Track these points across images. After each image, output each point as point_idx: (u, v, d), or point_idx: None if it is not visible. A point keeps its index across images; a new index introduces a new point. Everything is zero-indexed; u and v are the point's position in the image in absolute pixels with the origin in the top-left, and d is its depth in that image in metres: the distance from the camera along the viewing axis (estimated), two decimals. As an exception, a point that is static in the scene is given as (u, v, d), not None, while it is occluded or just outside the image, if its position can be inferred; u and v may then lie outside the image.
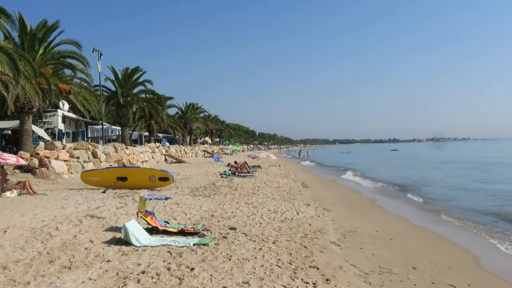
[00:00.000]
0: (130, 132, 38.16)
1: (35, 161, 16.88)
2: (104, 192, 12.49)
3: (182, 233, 6.97)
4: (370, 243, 7.67)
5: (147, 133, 45.23)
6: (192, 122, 58.45)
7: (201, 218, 8.61)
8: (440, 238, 9.07)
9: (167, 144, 45.63)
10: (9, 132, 22.23)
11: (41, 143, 18.86)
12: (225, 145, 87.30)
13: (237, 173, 20.96)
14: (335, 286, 4.77)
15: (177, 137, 52.56)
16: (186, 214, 8.97)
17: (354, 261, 6.19)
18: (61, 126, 28.52)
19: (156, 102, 37.32)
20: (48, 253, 5.65)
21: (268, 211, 9.75)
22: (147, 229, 6.79)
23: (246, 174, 21.11)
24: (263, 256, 5.79)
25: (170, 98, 47.55)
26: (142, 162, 27.62)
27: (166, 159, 33.73)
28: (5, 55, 14.92)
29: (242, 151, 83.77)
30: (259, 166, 26.75)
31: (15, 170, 16.13)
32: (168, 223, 7.55)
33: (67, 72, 22.73)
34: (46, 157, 17.26)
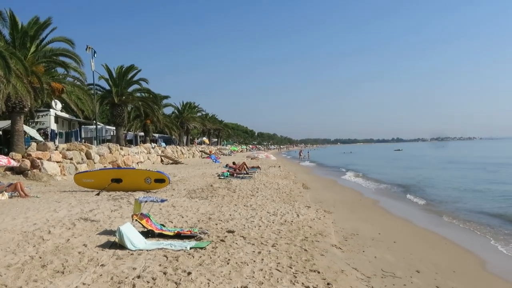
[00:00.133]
0: (125, 132, 38.11)
1: (27, 163, 16.87)
2: (98, 194, 12.48)
3: (179, 236, 6.98)
4: (372, 246, 7.69)
5: (142, 133, 45.19)
6: (189, 121, 58.43)
7: (198, 221, 8.62)
8: (444, 241, 9.09)
9: (163, 144, 45.61)
10: (0, 132, 22.21)
11: (33, 144, 18.84)
12: (223, 145, 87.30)
13: (235, 174, 20.97)
14: (336, 290, 4.79)
15: (173, 137, 52.54)
16: (182, 217, 8.98)
17: (356, 265, 6.21)
18: (53, 126, 28.49)
19: (152, 101, 37.30)
20: (40, 257, 5.66)
21: (267, 213, 9.77)
22: (142, 233, 6.80)
23: (245, 175, 21.12)
24: (262, 259, 5.80)
25: (166, 97, 47.60)
26: (137, 163, 27.61)
27: (162, 160, 33.72)
28: (-5, 53, 14.92)
29: (241, 151, 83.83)
30: (258, 167, 26.75)
31: (6, 171, 16.11)
32: (164, 226, 7.56)
33: (60, 70, 22.75)
34: (38, 158, 17.24)
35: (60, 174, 18.04)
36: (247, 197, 12.65)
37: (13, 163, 15.57)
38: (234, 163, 25.99)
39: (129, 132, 43.38)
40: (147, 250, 6.07)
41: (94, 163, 21.51)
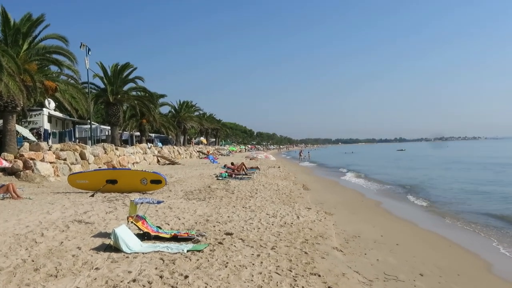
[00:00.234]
0: (120, 132, 38.12)
1: (19, 163, 16.83)
2: (92, 195, 12.47)
3: (175, 239, 6.97)
4: (374, 249, 7.68)
5: (138, 133, 45.17)
6: (186, 121, 58.44)
7: (196, 223, 8.61)
8: (448, 243, 9.09)
9: (160, 144, 45.59)
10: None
11: (26, 144, 18.81)
12: (221, 145, 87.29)
13: (234, 175, 20.97)
14: (337, 294, 4.78)
15: (170, 137, 52.51)
16: (179, 219, 8.97)
17: (357, 268, 6.20)
18: (47, 125, 28.47)
19: (148, 100, 37.30)
20: (33, 261, 5.64)
21: (266, 215, 9.76)
22: (138, 235, 6.79)
23: (244, 176, 21.12)
24: (261, 262, 5.79)
25: (162, 96, 47.64)
26: (133, 163, 27.60)
27: (158, 161, 33.71)
28: (-14, 50, 14.90)
29: (240, 151, 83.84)
30: (257, 168, 26.77)
31: (-2, 172, 16.09)
32: (160, 228, 7.54)
33: (53, 68, 22.79)
34: (31, 158, 17.21)
35: (54, 175, 18.01)
36: (246, 199, 12.64)
37: (5, 164, 15.55)
38: (232, 163, 26.00)
39: (125, 132, 43.36)
40: (143, 253, 6.06)
41: (89, 163, 21.49)
